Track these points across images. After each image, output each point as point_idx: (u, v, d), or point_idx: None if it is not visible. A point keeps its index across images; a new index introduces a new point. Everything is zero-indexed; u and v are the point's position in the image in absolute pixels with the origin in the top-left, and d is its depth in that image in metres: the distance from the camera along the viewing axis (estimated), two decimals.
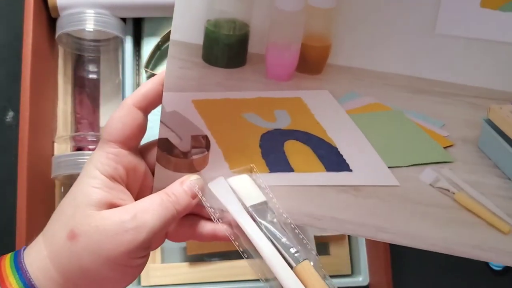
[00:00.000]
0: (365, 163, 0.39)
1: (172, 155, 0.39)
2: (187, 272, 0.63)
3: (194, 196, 0.38)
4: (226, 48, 0.37)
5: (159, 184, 0.39)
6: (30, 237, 0.55)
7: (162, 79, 0.38)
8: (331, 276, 0.63)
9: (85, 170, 0.37)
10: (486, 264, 0.68)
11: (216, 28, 0.37)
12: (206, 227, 0.39)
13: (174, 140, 0.39)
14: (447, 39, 0.37)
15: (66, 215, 0.36)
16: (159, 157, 0.39)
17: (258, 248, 0.36)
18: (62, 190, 0.63)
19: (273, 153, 0.40)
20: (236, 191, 0.38)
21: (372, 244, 0.63)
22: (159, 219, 0.36)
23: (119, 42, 0.63)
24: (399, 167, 0.39)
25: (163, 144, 0.39)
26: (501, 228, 0.38)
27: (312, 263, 0.36)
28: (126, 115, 0.38)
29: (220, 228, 0.39)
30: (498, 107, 0.37)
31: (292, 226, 0.37)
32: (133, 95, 0.38)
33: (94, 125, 0.63)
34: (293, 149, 0.39)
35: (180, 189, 0.38)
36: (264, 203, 0.38)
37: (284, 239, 0.36)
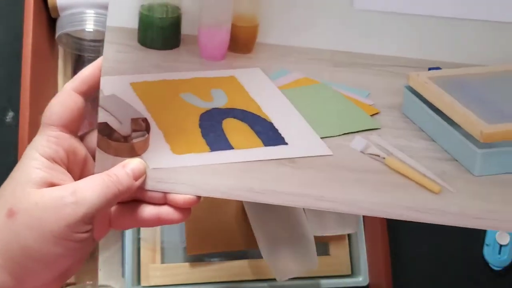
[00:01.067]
0: (299, 135, 0.41)
1: (113, 139, 0.40)
2: (187, 272, 0.62)
3: (137, 178, 0.39)
4: (160, 30, 0.40)
5: (100, 169, 0.40)
6: None
7: (100, 64, 0.39)
8: (331, 277, 0.63)
9: (25, 154, 0.38)
10: (486, 264, 0.69)
11: (150, 12, 0.39)
12: (148, 211, 0.40)
13: (114, 124, 0.40)
14: (365, 14, 0.40)
15: (5, 195, 0.36)
16: (99, 142, 0.40)
17: None
18: None
19: (213, 132, 0.41)
20: None
21: (372, 244, 0.63)
22: (99, 196, 0.36)
23: None
24: (331, 137, 0.41)
25: (103, 129, 0.40)
26: (432, 188, 0.40)
27: None
28: (65, 99, 0.39)
29: (164, 210, 0.39)
30: (415, 74, 0.41)
31: None
32: (72, 80, 0.39)
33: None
34: (232, 127, 0.41)
35: (122, 171, 0.38)
36: None
37: None
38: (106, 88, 0.39)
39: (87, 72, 0.39)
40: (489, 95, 0.41)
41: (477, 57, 0.41)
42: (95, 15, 0.59)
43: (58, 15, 0.60)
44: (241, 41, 0.40)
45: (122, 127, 0.40)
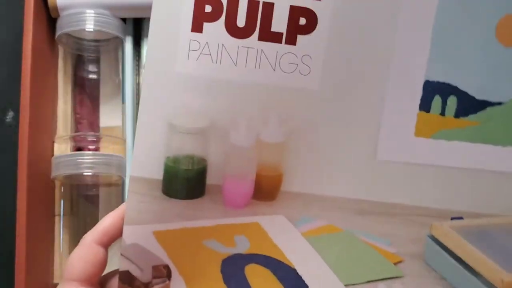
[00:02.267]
0: (323, 282, 0.40)
1: (133, 287, 0.40)
2: None
3: None
4: (185, 181, 0.40)
5: None
6: (30, 237, 0.52)
7: (121, 213, 0.39)
8: None
9: None
10: None
11: (175, 164, 0.39)
12: None
13: (135, 272, 0.40)
14: (388, 164, 0.40)
15: None
16: None
17: None
18: (62, 190, 0.60)
19: (234, 277, 0.41)
20: None
21: None
22: None
23: (119, 42, 0.62)
24: (354, 284, 0.41)
25: (124, 277, 0.39)
26: None
27: None
28: (87, 254, 0.38)
29: None
30: (439, 224, 0.41)
31: None
32: (92, 232, 0.39)
33: (94, 125, 0.62)
34: (254, 273, 0.41)
35: None
36: None
37: None
38: (128, 237, 0.39)
39: (107, 222, 0.39)
40: (511, 244, 0.41)
41: (497, 206, 0.41)
42: (95, 15, 0.58)
43: (58, 15, 0.60)
44: (265, 190, 0.40)
45: (143, 275, 0.40)
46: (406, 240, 0.41)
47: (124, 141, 0.60)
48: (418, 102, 0.40)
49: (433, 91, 0.40)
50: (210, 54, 0.38)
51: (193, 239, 0.40)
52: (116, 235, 0.39)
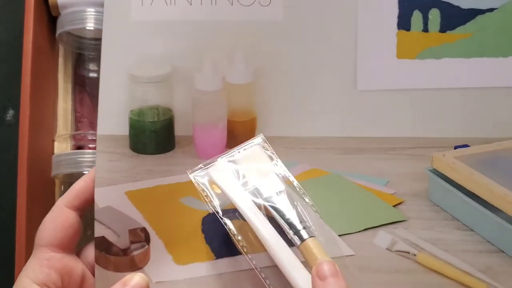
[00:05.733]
0: (313, 233, 0.36)
1: (111, 254, 0.37)
2: None
3: None
4: (153, 134, 0.37)
5: (100, 286, 0.37)
6: (30, 236, 0.51)
7: (93, 175, 0.37)
8: None
9: (18, 280, 0.36)
10: None
11: (140, 117, 0.37)
12: None
13: (111, 237, 0.38)
14: (370, 94, 0.36)
15: None
16: (97, 258, 0.37)
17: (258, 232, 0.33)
18: (62, 189, 0.59)
19: (217, 237, 0.37)
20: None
21: None
22: None
23: None
24: (350, 233, 0.36)
25: (100, 243, 0.37)
26: (477, 287, 0.34)
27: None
28: (57, 217, 0.37)
29: None
30: (441, 154, 0.36)
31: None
32: (64, 195, 0.37)
33: (94, 124, 0.61)
34: (238, 230, 0.37)
35: None
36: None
37: (287, 216, 0.33)
38: (101, 199, 0.37)
39: (79, 185, 0.37)
40: None
41: (504, 129, 0.35)
42: (95, 13, 0.57)
43: (59, 14, 0.59)
44: (239, 136, 0.37)
45: (120, 240, 0.38)
46: (405, 177, 0.36)
47: None
48: (396, 20, 0.36)
49: (411, 6, 0.36)
50: None
51: (169, 197, 0.38)
52: (88, 198, 0.37)
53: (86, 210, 0.38)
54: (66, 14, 0.59)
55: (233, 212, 0.35)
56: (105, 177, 0.37)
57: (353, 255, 0.36)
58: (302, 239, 0.32)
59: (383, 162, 0.37)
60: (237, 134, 0.37)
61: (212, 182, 0.34)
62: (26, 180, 0.54)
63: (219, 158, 0.34)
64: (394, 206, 0.36)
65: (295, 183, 0.34)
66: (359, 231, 0.36)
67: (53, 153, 0.60)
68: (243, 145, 0.35)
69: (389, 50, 0.36)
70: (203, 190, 0.34)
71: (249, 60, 0.37)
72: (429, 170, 0.36)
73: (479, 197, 0.35)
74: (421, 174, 0.36)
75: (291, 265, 0.32)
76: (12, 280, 0.52)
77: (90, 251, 0.38)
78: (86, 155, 0.56)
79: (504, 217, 0.34)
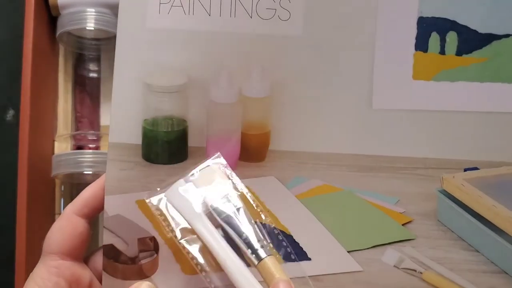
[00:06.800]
0: (323, 249, 0.37)
1: (119, 262, 0.37)
2: None
3: None
4: (166, 145, 0.37)
5: None
6: (30, 236, 0.51)
7: (103, 183, 0.37)
8: None
9: (26, 287, 0.35)
10: None
11: (153, 127, 0.37)
12: None
13: (120, 245, 0.37)
14: (386, 113, 0.37)
15: None
16: (105, 266, 0.37)
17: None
18: (62, 189, 0.60)
19: None
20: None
21: None
22: None
23: None
24: (359, 250, 0.36)
25: (109, 251, 0.37)
26: None
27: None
28: (65, 225, 0.36)
29: None
30: (450, 176, 0.36)
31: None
32: (73, 202, 0.37)
33: (94, 124, 0.62)
34: None
35: None
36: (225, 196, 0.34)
37: (245, 235, 0.33)
38: (110, 208, 0.37)
39: (88, 192, 0.37)
40: None
41: None
42: (96, 13, 0.58)
43: (59, 14, 0.60)
44: (253, 150, 0.37)
45: (128, 248, 0.38)
46: (415, 197, 0.37)
47: None
48: (413, 41, 0.36)
49: (429, 28, 0.36)
50: (182, 6, 0.36)
51: None
52: (98, 206, 0.37)
53: (94, 218, 0.38)
54: (66, 14, 0.59)
55: (192, 233, 0.35)
56: (116, 185, 0.37)
57: (361, 271, 0.36)
58: (259, 259, 0.32)
59: (394, 181, 0.37)
60: (250, 147, 0.37)
61: (168, 205, 0.34)
62: (26, 180, 0.54)
63: (176, 180, 0.34)
64: (403, 224, 0.37)
65: (252, 201, 0.34)
66: (368, 248, 0.36)
67: (53, 153, 0.60)
68: (201, 165, 0.34)
69: (406, 70, 0.36)
70: (161, 215, 0.34)
71: (266, 74, 0.37)
72: (438, 190, 0.37)
73: (485, 219, 0.36)
74: (431, 194, 0.37)
75: (248, 285, 0.31)
76: (12, 280, 0.51)
77: (98, 259, 0.38)
78: (86, 155, 0.57)
79: (509, 239, 0.35)
